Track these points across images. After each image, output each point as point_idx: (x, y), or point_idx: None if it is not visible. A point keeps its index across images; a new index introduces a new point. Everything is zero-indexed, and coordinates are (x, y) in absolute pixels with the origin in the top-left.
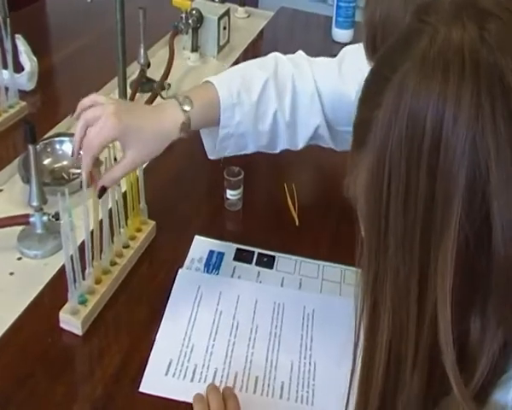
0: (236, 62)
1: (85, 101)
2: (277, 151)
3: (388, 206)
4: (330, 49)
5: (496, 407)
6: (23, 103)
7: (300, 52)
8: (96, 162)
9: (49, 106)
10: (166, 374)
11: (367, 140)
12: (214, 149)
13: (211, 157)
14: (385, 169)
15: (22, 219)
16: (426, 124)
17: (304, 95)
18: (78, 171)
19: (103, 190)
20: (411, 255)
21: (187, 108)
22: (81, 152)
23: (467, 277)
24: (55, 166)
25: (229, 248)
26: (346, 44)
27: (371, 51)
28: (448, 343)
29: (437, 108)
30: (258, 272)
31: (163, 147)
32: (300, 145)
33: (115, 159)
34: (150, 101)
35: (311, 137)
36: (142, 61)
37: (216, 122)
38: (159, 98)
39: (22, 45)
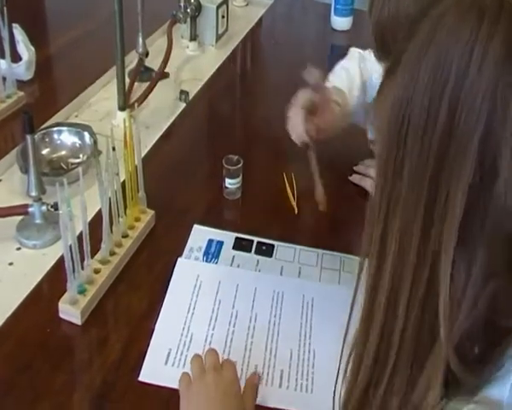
0: (235, 51)
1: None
2: None
3: (407, 132)
4: (329, 36)
5: (491, 402)
6: (21, 93)
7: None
8: None
9: (47, 96)
10: (166, 363)
11: (397, 69)
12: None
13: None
14: (409, 98)
15: (21, 210)
16: (453, 60)
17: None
18: (77, 160)
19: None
20: (421, 185)
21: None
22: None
23: (467, 216)
24: (54, 156)
25: (229, 237)
26: (344, 32)
27: (381, 50)
28: (445, 279)
29: (466, 46)
30: (258, 261)
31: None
32: None
33: (113, 148)
34: (150, 90)
35: None
36: (140, 50)
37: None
38: (158, 86)
39: (20, 35)
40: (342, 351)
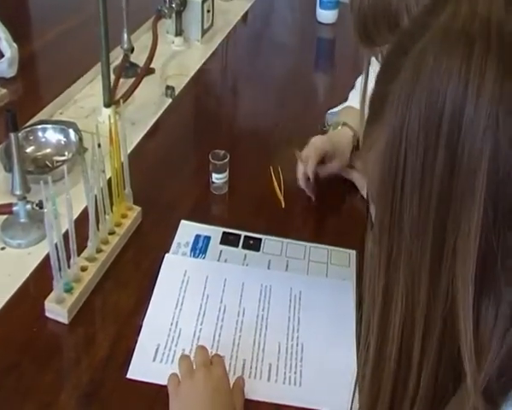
0: (221, 46)
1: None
2: None
3: (404, 181)
4: (315, 30)
5: None
6: (4, 91)
7: None
8: None
9: (30, 93)
10: (154, 360)
11: (383, 113)
12: None
13: None
14: (401, 143)
15: (5, 209)
16: (446, 99)
17: None
18: (62, 158)
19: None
20: (425, 236)
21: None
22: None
23: (485, 259)
24: (38, 154)
25: (216, 232)
26: (330, 25)
27: (364, 37)
28: (468, 328)
29: (458, 83)
30: (245, 255)
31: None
32: None
33: (99, 145)
34: (135, 86)
35: None
36: (125, 46)
37: None
38: (144, 82)
39: (2, 32)
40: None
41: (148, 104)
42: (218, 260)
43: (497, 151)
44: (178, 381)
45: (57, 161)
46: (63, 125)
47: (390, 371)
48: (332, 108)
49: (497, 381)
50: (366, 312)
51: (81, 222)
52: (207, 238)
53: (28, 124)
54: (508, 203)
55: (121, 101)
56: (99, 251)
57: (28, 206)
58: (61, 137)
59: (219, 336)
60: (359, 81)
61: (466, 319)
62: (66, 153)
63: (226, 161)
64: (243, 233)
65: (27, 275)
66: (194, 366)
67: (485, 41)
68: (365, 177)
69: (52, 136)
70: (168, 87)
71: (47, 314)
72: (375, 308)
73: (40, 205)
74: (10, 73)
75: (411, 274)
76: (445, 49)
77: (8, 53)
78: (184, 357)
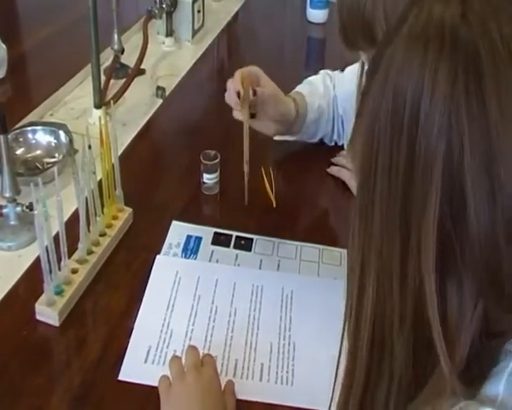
0: (211, 46)
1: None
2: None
3: (376, 175)
4: (305, 29)
5: (487, 398)
6: None
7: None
8: None
9: (20, 94)
10: (146, 361)
11: (363, 110)
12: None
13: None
14: (374, 139)
15: None
16: (407, 98)
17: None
18: (53, 160)
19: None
20: (393, 226)
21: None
22: None
23: (445, 249)
24: (28, 155)
25: (207, 233)
26: (320, 25)
27: (345, 41)
28: (435, 316)
29: (416, 82)
30: (237, 255)
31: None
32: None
33: (89, 147)
34: (126, 87)
35: None
36: (115, 46)
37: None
38: (135, 83)
39: None
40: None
41: (138, 105)
42: (210, 261)
43: (450, 149)
44: (169, 383)
45: (47, 163)
46: (53, 127)
47: (363, 360)
48: None
49: (473, 364)
50: (346, 301)
51: (72, 224)
52: (199, 239)
53: (18, 126)
54: (461, 198)
55: (112, 102)
56: (90, 253)
57: (18, 208)
58: (52, 139)
59: (211, 336)
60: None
61: (432, 308)
62: (57, 155)
63: (217, 161)
64: (234, 233)
65: (18, 278)
66: (185, 368)
67: (439, 44)
68: (352, 168)
69: (42, 137)
70: (159, 88)
71: (37, 317)
72: (352, 298)
73: (30, 207)
74: None
75: (382, 265)
76: (408, 51)
77: None
78: (175, 359)
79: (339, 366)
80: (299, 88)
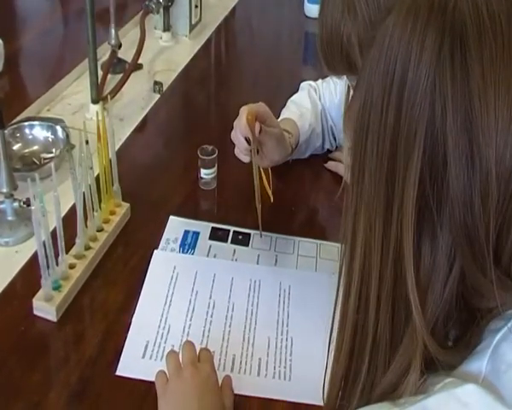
0: (209, 41)
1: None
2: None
3: (367, 136)
4: (303, 24)
5: (470, 375)
6: None
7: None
8: None
9: (17, 89)
10: (143, 356)
11: (359, 81)
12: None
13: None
14: (367, 102)
15: None
16: (396, 63)
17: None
18: (50, 155)
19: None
20: (379, 185)
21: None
22: None
23: (423, 208)
24: (25, 151)
25: (205, 228)
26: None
27: (324, 62)
28: (410, 271)
29: (406, 47)
30: (234, 250)
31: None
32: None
33: (87, 142)
34: (123, 82)
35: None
36: (113, 41)
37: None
38: (132, 78)
39: None
40: (329, 344)
41: (136, 100)
42: (207, 256)
43: (433, 112)
44: (166, 379)
45: (45, 159)
46: (50, 122)
47: (351, 311)
48: None
49: (446, 327)
50: (339, 265)
51: (69, 219)
52: (196, 234)
53: (15, 121)
54: (443, 158)
55: (109, 97)
56: (87, 248)
57: (15, 203)
58: (49, 134)
59: (209, 331)
60: (291, 99)
61: (408, 263)
62: (54, 150)
63: (214, 156)
64: (232, 228)
65: (15, 273)
66: (182, 364)
67: (428, 12)
68: (347, 133)
69: (39, 133)
70: (156, 83)
71: (35, 312)
72: (344, 257)
73: (28, 202)
74: None
75: (369, 220)
76: (400, 20)
77: None
78: (172, 354)
79: (330, 346)
80: (288, 113)
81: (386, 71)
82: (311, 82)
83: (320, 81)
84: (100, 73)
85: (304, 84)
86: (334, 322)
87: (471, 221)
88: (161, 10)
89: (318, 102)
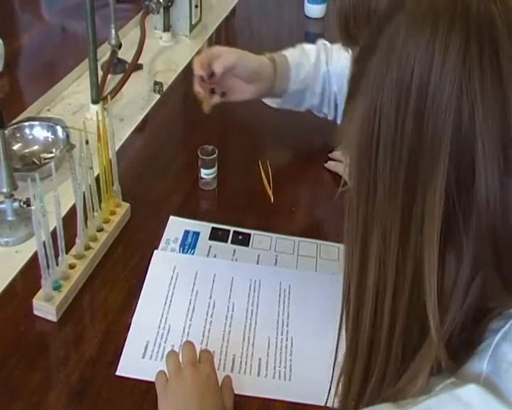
0: (209, 41)
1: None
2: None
3: (378, 148)
4: (303, 24)
5: (471, 374)
6: None
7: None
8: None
9: (17, 89)
10: (143, 357)
11: (361, 89)
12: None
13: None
14: (376, 112)
15: None
16: (414, 69)
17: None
18: (50, 155)
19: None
20: (395, 198)
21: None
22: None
23: (448, 219)
24: (26, 151)
25: (205, 228)
26: (318, 20)
27: (345, 35)
28: (432, 286)
29: (426, 53)
30: (234, 251)
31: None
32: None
33: (87, 142)
34: (123, 82)
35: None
36: (113, 42)
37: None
38: (132, 78)
39: None
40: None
41: (136, 100)
42: (207, 256)
43: (460, 118)
44: (166, 379)
45: (45, 159)
46: (50, 122)
47: (365, 333)
48: None
49: (458, 337)
50: (345, 278)
51: (69, 219)
52: (196, 234)
53: (15, 121)
54: (470, 165)
55: (109, 97)
56: (87, 248)
57: (15, 204)
58: (49, 134)
59: (209, 331)
60: (302, 45)
61: (431, 276)
62: (54, 150)
63: (215, 156)
64: (232, 228)
65: (15, 273)
66: (182, 364)
67: (450, 17)
68: (345, 149)
69: (39, 133)
70: (156, 83)
71: (35, 312)
72: (353, 271)
73: (28, 203)
74: None
75: (383, 234)
76: (415, 24)
77: None
78: (172, 354)
79: (338, 350)
80: (287, 51)
81: (400, 78)
82: (328, 43)
83: (337, 46)
84: (100, 73)
85: (320, 42)
86: (340, 330)
87: (502, 229)
88: (161, 10)
89: (324, 65)
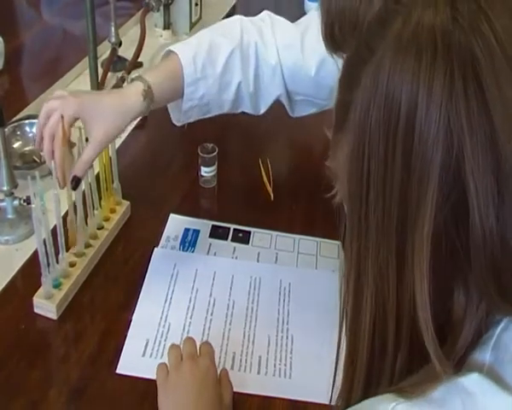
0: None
1: (53, 94)
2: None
3: (368, 186)
4: None
5: (474, 365)
6: None
7: (265, 14)
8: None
9: (17, 87)
10: (144, 355)
11: (347, 121)
12: (179, 117)
13: (176, 124)
14: (364, 150)
15: None
16: (401, 105)
17: (267, 66)
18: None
19: (78, 181)
20: (389, 235)
21: (147, 77)
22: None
23: (445, 255)
24: (26, 149)
25: (205, 226)
26: None
27: (330, 42)
28: (427, 321)
29: (411, 90)
30: (234, 248)
31: (127, 120)
32: (262, 111)
33: (87, 139)
34: (123, 80)
35: (271, 104)
36: (113, 39)
37: (180, 94)
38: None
39: None
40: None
41: None
42: (208, 254)
43: (448, 154)
44: (167, 372)
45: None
46: None
47: (363, 364)
48: None
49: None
50: (340, 310)
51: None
52: (196, 232)
53: (15, 119)
54: (463, 202)
55: None
56: (88, 246)
57: (16, 202)
58: None
59: (209, 329)
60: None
61: (424, 312)
62: None
63: (215, 154)
64: (232, 226)
65: (15, 271)
66: (183, 358)
67: (432, 51)
68: (335, 181)
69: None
70: None
71: (35, 310)
72: (348, 306)
73: (28, 201)
74: None
75: (379, 272)
76: (399, 58)
77: None
78: (173, 348)
79: (339, 353)
80: (182, 48)
81: (387, 115)
82: (268, 19)
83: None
84: (100, 70)
85: (258, 20)
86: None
87: (502, 259)
88: (161, 8)
89: (274, 51)
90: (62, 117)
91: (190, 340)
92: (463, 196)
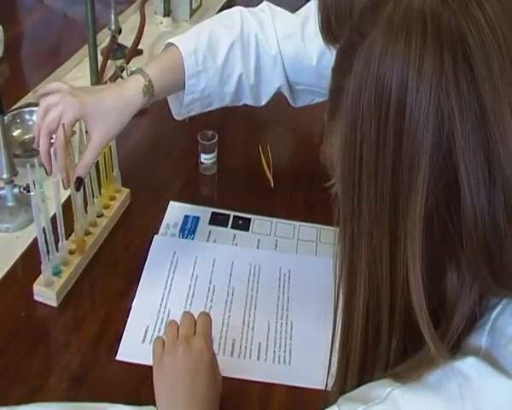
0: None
1: (51, 85)
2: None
3: (361, 170)
4: None
5: (470, 350)
6: None
7: (265, 4)
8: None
9: (17, 75)
10: (143, 341)
11: (340, 107)
12: (180, 111)
13: (177, 118)
14: (357, 135)
15: None
16: (391, 88)
17: (268, 57)
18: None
19: (80, 181)
20: (382, 219)
21: (148, 71)
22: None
23: (437, 237)
24: (26, 137)
25: (205, 213)
26: None
27: (327, 34)
28: (421, 303)
29: (401, 72)
30: (234, 235)
31: (128, 116)
32: (263, 103)
33: (86, 131)
34: (122, 68)
35: (273, 95)
36: (113, 27)
37: (181, 86)
38: (132, 64)
39: None
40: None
41: None
42: (207, 241)
43: (438, 135)
44: (163, 351)
45: None
46: None
47: (357, 349)
48: None
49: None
50: (334, 295)
51: (69, 205)
52: (196, 219)
53: (15, 107)
54: (454, 183)
55: (109, 82)
56: (87, 234)
57: (15, 189)
58: None
59: None
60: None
61: (418, 294)
62: (54, 136)
63: (215, 141)
64: (232, 213)
65: (15, 259)
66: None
67: (422, 33)
68: (329, 167)
69: None
70: None
71: (36, 298)
72: (342, 291)
73: (27, 189)
74: None
75: (373, 256)
76: (389, 41)
77: None
78: (171, 325)
79: (334, 339)
80: (183, 41)
81: (378, 98)
82: (268, 9)
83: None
84: (100, 58)
85: (258, 11)
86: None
87: (494, 239)
88: None
89: (275, 42)
90: (63, 123)
91: (188, 319)
92: (454, 178)
